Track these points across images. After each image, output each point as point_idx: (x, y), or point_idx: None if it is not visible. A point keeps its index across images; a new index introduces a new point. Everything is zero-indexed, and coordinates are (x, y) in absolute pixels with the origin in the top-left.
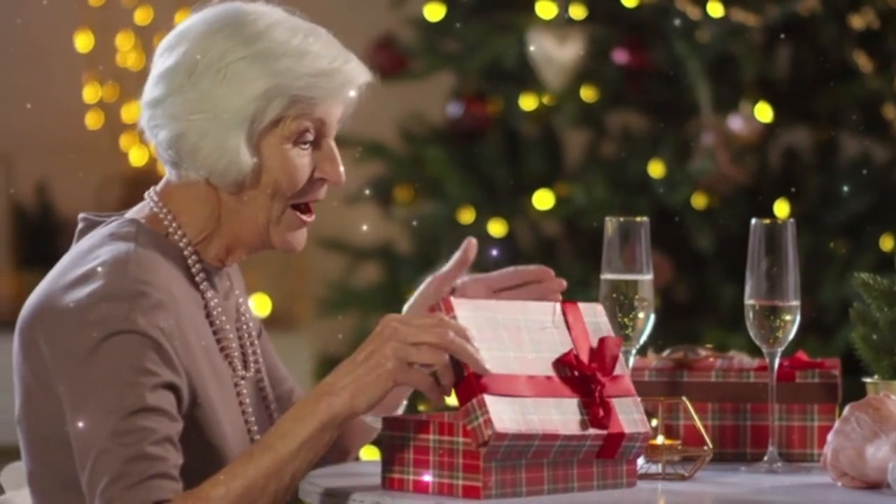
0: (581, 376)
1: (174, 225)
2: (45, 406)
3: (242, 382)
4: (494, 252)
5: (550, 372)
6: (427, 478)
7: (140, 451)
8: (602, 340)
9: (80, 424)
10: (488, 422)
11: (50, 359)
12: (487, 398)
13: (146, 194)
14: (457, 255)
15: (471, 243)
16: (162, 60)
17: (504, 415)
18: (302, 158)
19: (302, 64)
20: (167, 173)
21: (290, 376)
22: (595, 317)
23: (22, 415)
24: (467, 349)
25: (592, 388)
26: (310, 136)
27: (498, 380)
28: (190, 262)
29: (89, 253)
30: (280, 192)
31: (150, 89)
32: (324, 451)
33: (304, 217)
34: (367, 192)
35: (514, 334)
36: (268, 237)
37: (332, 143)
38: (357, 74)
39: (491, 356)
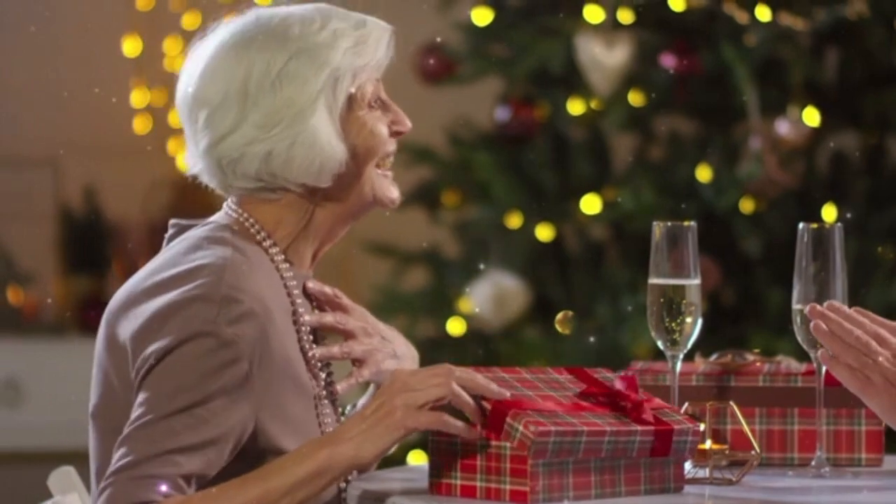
0: (609, 399)
1: (262, 234)
2: (125, 399)
3: (323, 394)
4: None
5: (576, 401)
6: (474, 482)
7: (159, 450)
8: (618, 377)
9: (135, 407)
10: (528, 424)
11: (132, 347)
12: (520, 411)
13: (224, 205)
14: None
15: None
16: (194, 103)
17: (542, 418)
18: (382, 119)
19: (338, 46)
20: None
21: None
22: (604, 373)
23: (99, 409)
24: (478, 380)
25: (624, 405)
26: (380, 97)
27: (524, 400)
28: (281, 268)
29: (185, 255)
30: (374, 156)
31: (203, 134)
32: (319, 495)
33: (388, 171)
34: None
35: (529, 384)
36: (372, 203)
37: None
38: (382, 27)
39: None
